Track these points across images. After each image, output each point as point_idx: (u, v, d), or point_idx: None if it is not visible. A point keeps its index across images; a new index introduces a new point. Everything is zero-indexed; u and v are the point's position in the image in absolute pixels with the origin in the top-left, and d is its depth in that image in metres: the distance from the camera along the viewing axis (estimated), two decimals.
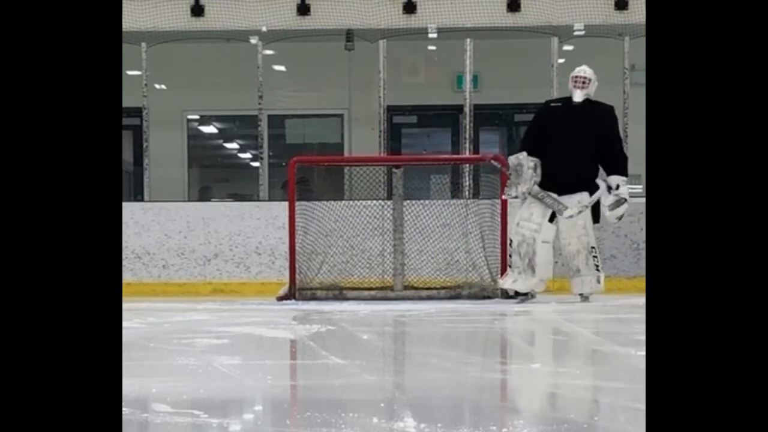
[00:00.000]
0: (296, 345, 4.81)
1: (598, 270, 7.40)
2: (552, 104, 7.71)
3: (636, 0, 9.87)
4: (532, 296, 7.55)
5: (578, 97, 7.41)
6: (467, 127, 10.07)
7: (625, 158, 7.54)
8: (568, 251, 7.44)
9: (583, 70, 7.50)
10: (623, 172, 7.42)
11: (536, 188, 7.27)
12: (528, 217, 7.34)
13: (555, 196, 7.28)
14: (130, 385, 2.85)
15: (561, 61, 10.18)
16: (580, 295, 7.47)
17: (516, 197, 7.41)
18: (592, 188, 7.35)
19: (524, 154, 7.36)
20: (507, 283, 7.55)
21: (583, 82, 7.40)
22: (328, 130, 12.09)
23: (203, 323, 6.15)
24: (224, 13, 10.20)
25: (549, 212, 7.28)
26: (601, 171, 7.43)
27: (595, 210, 7.40)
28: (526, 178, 7.27)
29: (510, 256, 7.52)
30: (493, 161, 7.96)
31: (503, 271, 8.10)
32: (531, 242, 7.35)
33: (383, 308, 7.14)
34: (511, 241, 7.50)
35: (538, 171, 7.31)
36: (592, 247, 7.39)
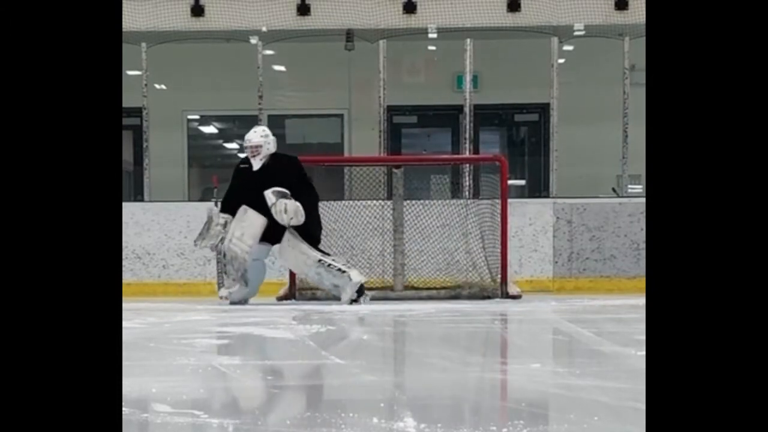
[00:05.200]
0: (296, 345, 4.81)
1: (342, 271, 7.50)
2: (241, 165, 7.88)
3: (636, 0, 9.87)
4: (363, 295, 7.58)
5: (256, 164, 7.71)
6: (467, 127, 10.07)
7: (311, 188, 7.79)
8: (309, 279, 7.75)
9: (249, 140, 7.76)
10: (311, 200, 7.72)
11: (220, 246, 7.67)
12: (240, 237, 7.55)
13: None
14: (130, 385, 2.85)
15: (561, 61, 10.18)
16: (353, 301, 7.54)
17: (204, 247, 7.84)
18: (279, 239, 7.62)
19: (216, 210, 7.73)
20: (223, 292, 7.70)
21: (256, 151, 7.71)
22: (328, 130, 12.08)
23: (203, 323, 6.15)
24: (224, 13, 10.21)
25: (259, 235, 7.55)
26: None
27: (304, 232, 7.58)
28: (213, 234, 7.68)
29: (225, 265, 7.66)
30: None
31: (503, 271, 8.13)
32: (242, 261, 7.55)
33: (383, 308, 7.14)
34: (224, 253, 7.64)
35: (228, 228, 7.62)
36: (319, 260, 7.51)
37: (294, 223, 7.45)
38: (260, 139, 7.72)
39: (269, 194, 7.44)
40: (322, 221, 8.28)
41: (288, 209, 7.41)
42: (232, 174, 7.93)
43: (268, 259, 7.89)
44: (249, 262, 7.56)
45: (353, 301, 7.45)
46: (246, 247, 7.52)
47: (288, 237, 7.51)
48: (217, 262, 7.86)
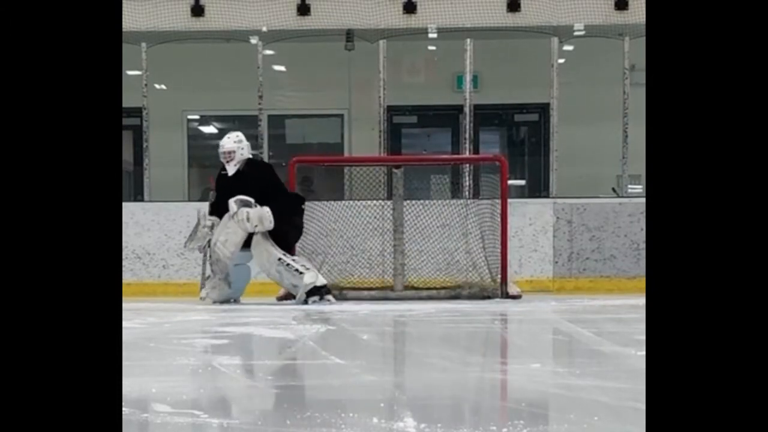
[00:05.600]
0: (296, 345, 4.81)
1: (300, 273, 7.54)
2: (222, 171, 7.94)
3: (636, 0, 9.87)
4: (323, 298, 7.61)
5: (231, 170, 7.80)
6: (467, 127, 10.07)
7: (290, 195, 7.95)
8: (270, 277, 7.78)
9: (222, 145, 7.83)
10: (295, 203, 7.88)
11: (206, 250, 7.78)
12: (224, 242, 7.61)
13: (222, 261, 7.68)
14: (130, 385, 2.85)
15: (561, 61, 10.18)
16: (304, 301, 7.59)
17: (193, 249, 7.99)
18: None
19: (204, 212, 7.81)
20: (203, 293, 7.76)
21: (230, 157, 7.78)
22: (328, 130, 12.08)
23: (203, 323, 6.15)
24: (224, 13, 10.21)
25: (242, 242, 7.60)
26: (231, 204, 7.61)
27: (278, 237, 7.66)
28: (200, 236, 7.79)
29: (210, 265, 7.73)
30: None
31: (503, 271, 8.13)
32: (224, 265, 7.64)
33: (383, 308, 7.14)
34: (210, 255, 7.70)
35: (215, 230, 7.69)
36: (279, 259, 7.58)
37: (260, 229, 7.52)
38: (233, 144, 7.79)
39: (231, 203, 7.54)
40: (322, 222, 8.29)
41: (251, 217, 7.48)
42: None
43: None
44: (230, 266, 7.65)
45: (305, 302, 7.51)
46: (228, 252, 7.60)
47: (257, 236, 7.58)
48: (203, 264, 7.90)
